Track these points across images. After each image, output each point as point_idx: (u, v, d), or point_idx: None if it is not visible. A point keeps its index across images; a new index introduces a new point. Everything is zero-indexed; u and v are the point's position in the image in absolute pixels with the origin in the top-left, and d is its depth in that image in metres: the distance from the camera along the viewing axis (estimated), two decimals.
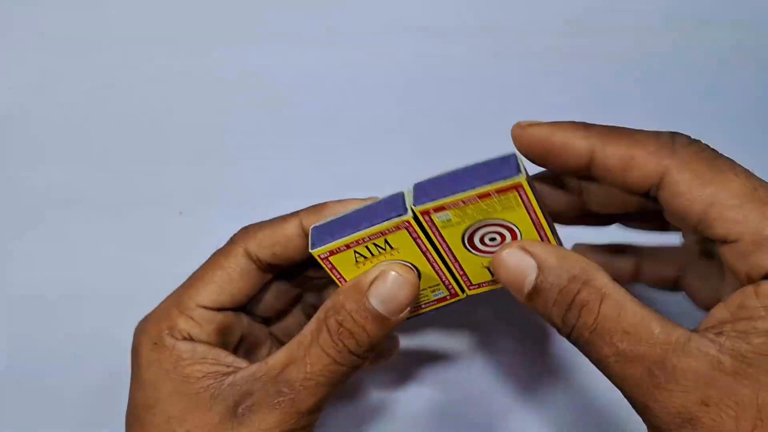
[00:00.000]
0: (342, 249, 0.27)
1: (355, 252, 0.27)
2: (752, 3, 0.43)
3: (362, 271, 0.27)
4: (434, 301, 0.29)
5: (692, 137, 0.25)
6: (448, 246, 0.27)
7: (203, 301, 0.30)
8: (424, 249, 0.27)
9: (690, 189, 0.23)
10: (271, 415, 0.27)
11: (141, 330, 0.30)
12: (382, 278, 0.26)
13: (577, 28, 0.43)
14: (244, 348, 0.32)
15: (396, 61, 0.43)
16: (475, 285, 0.28)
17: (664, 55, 0.43)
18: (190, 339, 0.29)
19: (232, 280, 0.30)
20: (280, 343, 0.34)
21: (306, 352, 0.27)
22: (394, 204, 0.26)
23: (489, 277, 0.28)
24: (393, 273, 0.26)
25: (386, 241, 0.26)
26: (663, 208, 0.25)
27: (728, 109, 0.42)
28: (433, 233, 0.26)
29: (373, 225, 0.26)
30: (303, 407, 0.27)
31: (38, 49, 0.43)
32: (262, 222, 0.31)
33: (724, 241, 0.23)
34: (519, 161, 0.24)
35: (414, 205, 0.25)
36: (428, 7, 0.43)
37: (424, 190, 0.25)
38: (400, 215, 0.25)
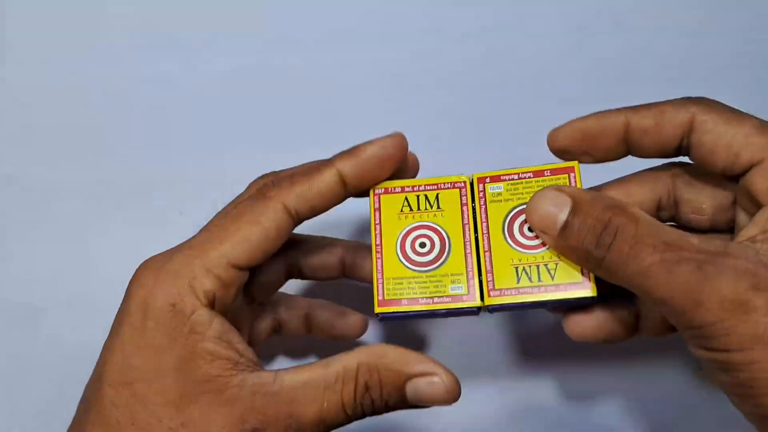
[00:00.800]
0: (396, 190, 0.29)
1: (406, 198, 0.29)
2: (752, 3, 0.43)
3: (401, 225, 0.28)
4: (449, 297, 0.28)
5: None
6: (488, 226, 0.28)
7: (237, 259, 0.27)
8: (466, 220, 0.28)
9: (716, 125, 0.27)
10: None
11: (153, 279, 0.26)
12: (428, 379, 0.26)
13: (576, 28, 0.43)
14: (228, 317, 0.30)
15: (400, 61, 0.43)
16: (497, 291, 0.28)
17: (663, 54, 0.43)
18: (211, 306, 0.26)
19: (269, 238, 0.28)
20: (252, 299, 0.32)
21: (325, 397, 0.26)
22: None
23: (514, 283, 0.28)
24: (438, 379, 0.26)
25: (437, 197, 0.28)
26: (692, 153, 0.28)
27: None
28: (481, 204, 0.28)
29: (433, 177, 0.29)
30: None
31: (38, 47, 0.43)
32: (292, 171, 0.29)
33: (750, 166, 0.26)
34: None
35: (474, 173, 0.28)
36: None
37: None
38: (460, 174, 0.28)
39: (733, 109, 0.27)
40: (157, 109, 0.43)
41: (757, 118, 0.27)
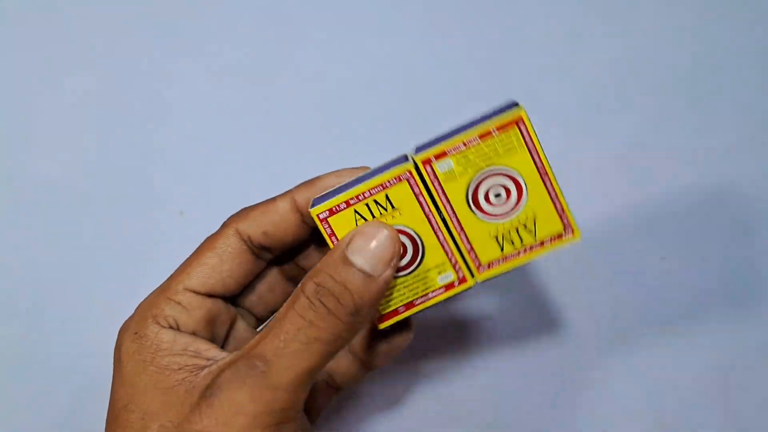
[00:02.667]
0: (342, 207, 0.26)
1: (356, 212, 0.26)
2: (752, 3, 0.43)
3: None
4: (441, 288, 0.27)
5: None
6: (452, 207, 0.26)
7: (191, 284, 0.28)
8: (427, 210, 0.26)
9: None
10: (239, 391, 0.24)
11: (126, 324, 0.29)
12: (360, 233, 0.25)
13: (572, 28, 0.43)
14: (234, 346, 0.31)
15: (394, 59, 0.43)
16: (485, 265, 0.27)
17: (662, 54, 0.43)
18: (176, 328, 0.28)
19: (223, 261, 0.29)
20: None
21: (281, 321, 0.25)
22: (396, 160, 0.26)
23: (499, 253, 0.26)
24: (371, 227, 0.25)
25: (387, 198, 0.25)
26: None
27: (728, 107, 0.42)
28: (435, 189, 0.25)
29: (374, 177, 0.25)
30: (277, 380, 0.24)
31: (38, 46, 0.43)
32: (256, 204, 0.30)
33: None
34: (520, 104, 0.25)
35: (414, 154, 0.25)
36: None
37: (426, 144, 0.26)
38: (400, 164, 0.25)
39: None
40: (157, 109, 0.43)
41: None
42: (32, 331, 0.41)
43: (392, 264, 0.25)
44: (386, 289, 0.25)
